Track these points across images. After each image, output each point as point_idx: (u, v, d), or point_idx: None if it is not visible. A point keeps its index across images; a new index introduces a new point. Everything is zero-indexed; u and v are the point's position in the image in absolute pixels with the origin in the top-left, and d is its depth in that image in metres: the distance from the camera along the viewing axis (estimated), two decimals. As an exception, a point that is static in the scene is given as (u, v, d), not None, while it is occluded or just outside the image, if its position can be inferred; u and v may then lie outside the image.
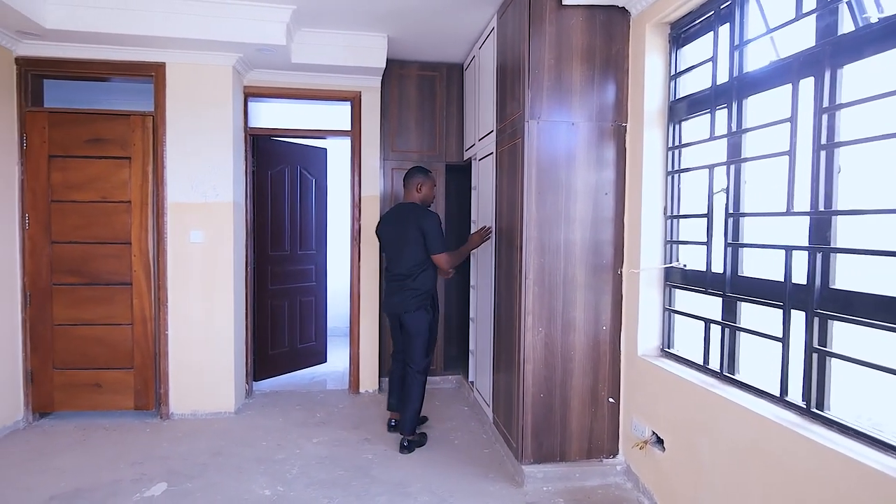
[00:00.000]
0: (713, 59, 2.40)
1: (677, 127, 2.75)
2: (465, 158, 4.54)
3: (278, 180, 4.67)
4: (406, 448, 3.35)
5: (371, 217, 4.44)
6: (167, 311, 3.83)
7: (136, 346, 3.80)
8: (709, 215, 2.42)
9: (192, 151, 3.80)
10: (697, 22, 2.57)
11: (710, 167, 2.40)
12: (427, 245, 3.29)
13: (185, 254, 3.83)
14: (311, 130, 4.52)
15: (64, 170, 3.67)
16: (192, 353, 3.87)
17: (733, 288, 2.29)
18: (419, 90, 4.57)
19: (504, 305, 3.29)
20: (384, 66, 4.05)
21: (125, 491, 2.82)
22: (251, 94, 4.21)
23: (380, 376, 4.55)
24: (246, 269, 4.23)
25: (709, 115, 2.42)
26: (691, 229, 2.70)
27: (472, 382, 4.33)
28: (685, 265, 2.69)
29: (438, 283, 4.61)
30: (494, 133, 3.50)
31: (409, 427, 3.39)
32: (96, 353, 3.77)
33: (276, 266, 4.69)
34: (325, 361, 5.24)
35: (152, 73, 3.75)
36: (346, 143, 5.56)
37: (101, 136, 3.69)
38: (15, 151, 3.61)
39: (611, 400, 3.03)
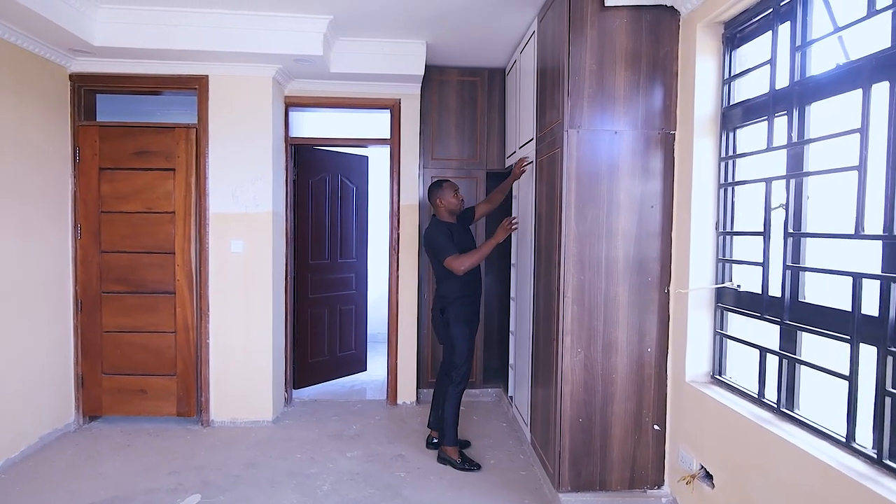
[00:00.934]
0: (771, 62, 2.17)
1: (731, 135, 2.53)
2: (506, 166, 4.40)
3: (319, 189, 4.68)
4: (441, 460, 3.36)
5: (410, 226, 4.38)
6: (208, 319, 3.89)
7: (179, 353, 3.88)
8: (765, 233, 2.19)
9: (233, 162, 3.85)
10: (755, 20, 2.35)
11: (768, 180, 2.18)
12: (438, 257, 3.30)
13: (226, 263, 3.88)
14: (351, 139, 4.50)
15: (112, 181, 3.79)
16: (232, 362, 3.92)
17: (793, 315, 2.07)
18: (459, 96, 4.47)
19: (542, 323, 3.14)
20: (423, 72, 3.97)
21: (160, 501, 2.85)
22: (292, 104, 4.22)
23: (418, 387, 4.48)
24: (286, 277, 4.25)
25: (766, 122, 2.20)
26: (746, 247, 2.48)
27: (511, 397, 4.20)
28: (739, 286, 2.47)
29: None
30: (534, 141, 3.36)
31: (442, 436, 3.38)
32: (142, 360, 3.87)
33: (317, 275, 4.69)
34: (365, 370, 5.22)
35: (195, 86, 3.82)
36: (387, 151, 5.56)
37: (148, 149, 3.79)
38: (68, 164, 3.75)
39: (656, 427, 2.83)
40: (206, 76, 3.81)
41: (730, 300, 2.50)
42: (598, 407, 2.80)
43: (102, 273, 3.82)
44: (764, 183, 2.20)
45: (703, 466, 2.50)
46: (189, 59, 3.69)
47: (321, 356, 4.78)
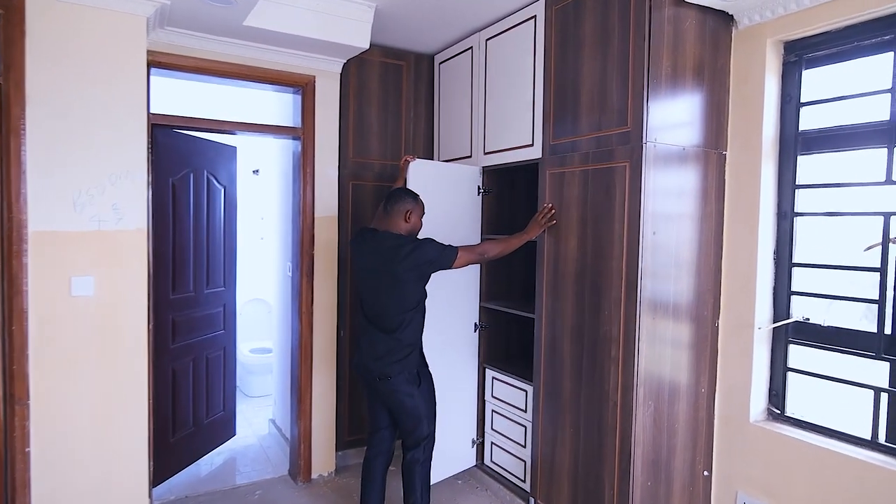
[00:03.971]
0: (893, 90, 2.08)
1: (796, 162, 2.41)
2: (438, 172, 3.70)
3: (182, 191, 3.25)
4: None
5: (327, 244, 3.35)
6: (28, 413, 2.29)
7: (-32, 480, 2.20)
8: (882, 269, 2.11)
9: (76, 148, 2.33)
10: (834, 45, 2.25)
11: (887, 215, 2.09)
12: (442, 267, 2.47)
13: (63, 314, 2.34)
14: (243, 124, 3.18)
15: None
16: (76, 474, 2.40)
17: (925, 355, 2.02)
18: (382, 82, 3.58)
19: (576, 372, 2.59)
20: (367, 45, 3.02)
21: None
22: (158, 63, 2.79)
23: (336, 450, 3.48)
24: (148, 324, 2.80)
25: (885, 151, 2.10)
26: (808, 280, 2.39)
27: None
28: (808, 319, 2.37)
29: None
30: (541, 149, 2.79)
31: None
32: None
33: (180, 313, 3.27)
34: (234, 434, 3.89)
35: (-2, 10, 2.18)
36: (253, 140, 4.30)
37: None
38: None
39: (706, 473, 2.60)
40: (21, -4, 2.21)
41: (804, 335, 2.38)
42: (664, 464, 2.43)
43: None
44: (882, 217, 2.10)
45: (784, 514, 2.35)
46: (-10, -41, 2.08)
47: (186, 429, 3.36)
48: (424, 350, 2.66)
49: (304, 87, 3.21)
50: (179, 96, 3.39)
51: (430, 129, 3.76)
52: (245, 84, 3.15)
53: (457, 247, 2.48)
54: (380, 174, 3.57)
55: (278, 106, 3.71)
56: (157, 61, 2.79)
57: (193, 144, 3.33)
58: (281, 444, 3.82)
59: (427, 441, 2.60)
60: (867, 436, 2.15)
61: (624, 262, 2.33)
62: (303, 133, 3.24)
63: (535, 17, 2.82)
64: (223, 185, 3.63)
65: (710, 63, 2.45)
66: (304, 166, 3.25)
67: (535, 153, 2.83)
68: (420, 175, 2.94)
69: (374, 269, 2.49)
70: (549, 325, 2.75)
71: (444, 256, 2.45)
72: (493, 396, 3.29)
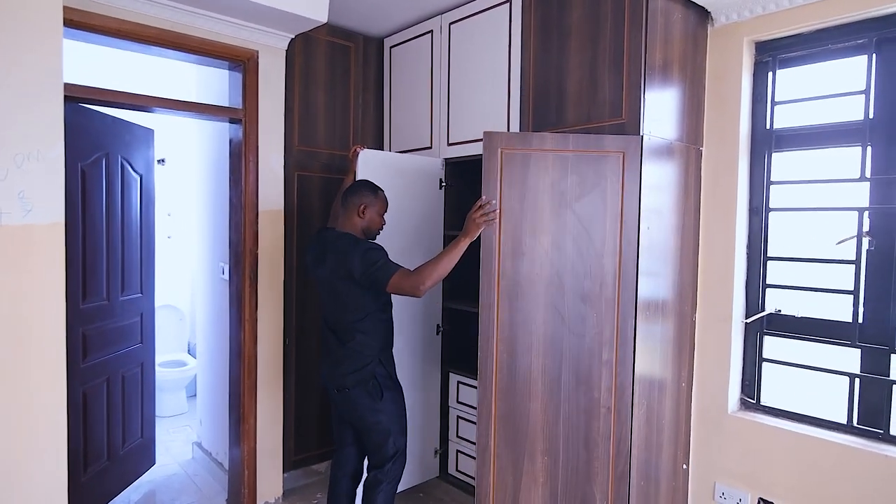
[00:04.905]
0: (866, 92, 2.19)
1: (770, 159, 2.49)
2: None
3: (93, 179, 2.71)
4: None
5: (273, 242, 2.98)
6: None
7: None
8: (857, 262, 2.22)
9: (-31, 119, 1.81)
10: (806, 47, 2.34)
11: (861, 210, 2.20)
12: (372, 286, 2.18)
13: (-49, 335, 1.81)
14: (172, 102, 2.71)
15: None
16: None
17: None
18: (330, 64, 3.26)
19: (547, 391, 2.40)
20: (326, 19, 2.70)
21: None
22: (69, 22, 2.28)
23: (283, 471, 3.11)
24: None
25: (859, 149, 2.21)
26: (789, 273, 2.49)
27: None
28: (780, 310, 2.47)
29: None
30: (518, 140, 2.66)
31: None
32: None
33: (91, 326, 2.73)
34: (154, 463, 3.36)
35: None
36: (159, 125, 3.80)
37: None
38: None
39: (684, 467, 2.62)
40: None
41: (777, 326, 2.46)
42: (654, 462, 2.41)
43: None
44: (856, 212, 2.21)
45: (763, 500, 2.41)
46: None
47: (99, 463, 2.82)
48: None
49: (245, 63, 2.82)
50: (77, 66, 2.84)
51: (380, 118, 3.49)
52: (174, 55, 2.69)
53: (395, 271, 2.13)
54: (328, 165, 3.25)
55: (199, 84, 3.28)
56: (70, 19, 2.28)
57: (105, 124, 2.79)
58: (211, 469, 3.36)
59: (393, 462, 2.36)
60: (843, 420, 2.26)
61: (619, 260, 2.25)
62: (244, 116, 2.84)
63: (509, 1, 2.68)
64: (140, 173, 3.10)
65: (692, 59, 2.46)
66: (245, 153, 2.85)
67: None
68: (372, 167, 2.70)
69: (321, 271, 2.30)
70: (506, 341, 2.37)
71: (379, 272, 2.12)
72: (458, 402, 3.12)
